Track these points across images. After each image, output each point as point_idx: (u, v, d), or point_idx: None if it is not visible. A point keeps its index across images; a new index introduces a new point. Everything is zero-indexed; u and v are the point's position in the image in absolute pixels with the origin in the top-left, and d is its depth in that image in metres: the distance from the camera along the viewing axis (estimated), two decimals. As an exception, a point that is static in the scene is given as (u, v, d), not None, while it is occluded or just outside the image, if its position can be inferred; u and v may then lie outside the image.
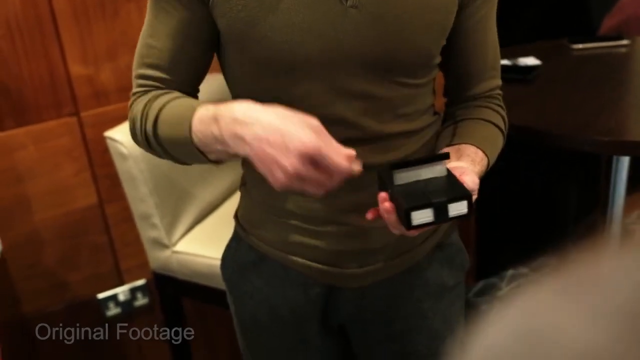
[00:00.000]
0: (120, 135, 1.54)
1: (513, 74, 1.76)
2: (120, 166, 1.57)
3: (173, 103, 0.88)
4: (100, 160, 1.77)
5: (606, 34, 2.13)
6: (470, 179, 0.82)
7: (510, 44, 1.96)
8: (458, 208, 0.78)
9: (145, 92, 0.93)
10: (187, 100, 0.89)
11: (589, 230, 2.33)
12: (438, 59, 0.96)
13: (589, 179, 2.32)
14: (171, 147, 0.89)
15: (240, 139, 0.77)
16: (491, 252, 2.57)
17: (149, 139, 0.90)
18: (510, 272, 2.63)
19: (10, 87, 1.65)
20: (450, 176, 0.83)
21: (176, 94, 0.91)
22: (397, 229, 0.81)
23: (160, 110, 0.88)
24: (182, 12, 0.88)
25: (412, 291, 1.05)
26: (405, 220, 0.77)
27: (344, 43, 0.85)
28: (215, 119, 0.80)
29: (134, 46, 0.93)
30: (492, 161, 0.96)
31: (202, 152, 0.84)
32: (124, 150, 1.53)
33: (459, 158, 0.89)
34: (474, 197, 0.83)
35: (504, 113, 1.03)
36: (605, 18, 2.18)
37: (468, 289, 2.27)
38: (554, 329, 0.19)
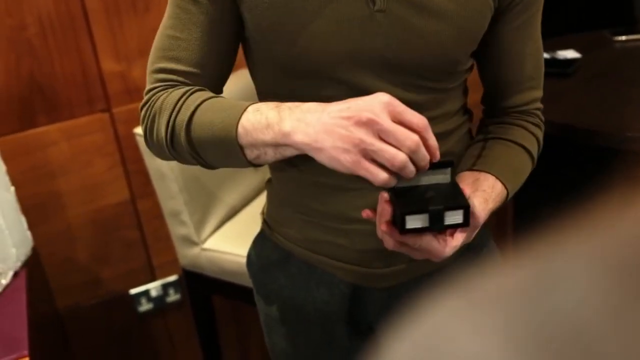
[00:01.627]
0: (150, 132, 1.53)
1: (551, 68, 1.70)
2: (150, 163, 1.57)
3: (219, 98, 0.83)
4: (132, 156, 1.77)
5: (651, 25, 2.05)
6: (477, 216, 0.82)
7: (549, 36, 1.90)
8: (454, 217, 0.78)
9: (167, 87, 0.86)
10: (234, 101, 0.83)
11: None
12: (468, 64, 0.92)
13: (631, 178, 2.25)
14: (204, 141, 0.81)
15: (302, 121, 0.73)
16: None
17: (176, 135, 0.82)
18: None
19: (43, 84, 1.66)
20: (453, 184, 0.82)
21: (213, 94, 0.85)
22: (386, 232, 0.80)
23: (203, 101, 0.81)
24: (206, 4, 0.85)
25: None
26: (400, 223, 0.77)
27: (370, 47, 0.83)
28: (277, 106, 0.77)
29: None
30: (513, 192, 0.92)
31: (240, 147, 0.78)
32: (154, 148, 1.52)
33: (473, 191, 0.86)
34: (477, 230, 0.84)
35: (539, 133, 0.98)
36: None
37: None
38: (452, 345, 0.20)
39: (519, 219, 2.33)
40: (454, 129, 0.95)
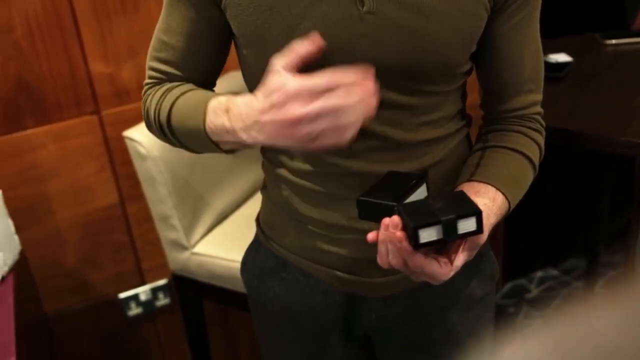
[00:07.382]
0: (139, 134, 1.52)
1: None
2: (139, 166, 1.55)
3: (188, 95, 0.88)
4: (121, 159, 1.76)
5: (641, 28, 2.05)
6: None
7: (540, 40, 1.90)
8: (467, 224, 0.74)
9: (158, 83, 0.94)
10: (202, 92, 0.89)
11: (621, 232, 2.26)
12: (467, 67, 0.90)
13: (622, 180, 2.25)
14: (185, 137, 0.89)
15: (250, 129, 0.77)
16: (519, 253, 2.51)
17: (164, 130, 0.91)
18: (539, 273, 2.57)
19: (30, 86, 1.64)
20: (458, 192, 0.79)
21: (191, 85, 0.91)
22: (402, 242, 0.75)
23: (175, 100, 0.88)
24: (193, 11, 0.87)
25: (437, 302, 1.01)
26: (413, 238, 0.73)
27: (360, 50, 0.81)
28: (227, 110, 0.80)
29: (155, 44, 0.94)
30: (515, 203, 0.89)
31: (214, 143, 0.84)
32: (143, 151, 1.51)
33: None
34: (478, 248, 0.80)
35: (540, 139, 0.95)
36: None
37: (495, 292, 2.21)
38: None
39: (510, 223, 2.33)
40: (452, 133, 0.93)
